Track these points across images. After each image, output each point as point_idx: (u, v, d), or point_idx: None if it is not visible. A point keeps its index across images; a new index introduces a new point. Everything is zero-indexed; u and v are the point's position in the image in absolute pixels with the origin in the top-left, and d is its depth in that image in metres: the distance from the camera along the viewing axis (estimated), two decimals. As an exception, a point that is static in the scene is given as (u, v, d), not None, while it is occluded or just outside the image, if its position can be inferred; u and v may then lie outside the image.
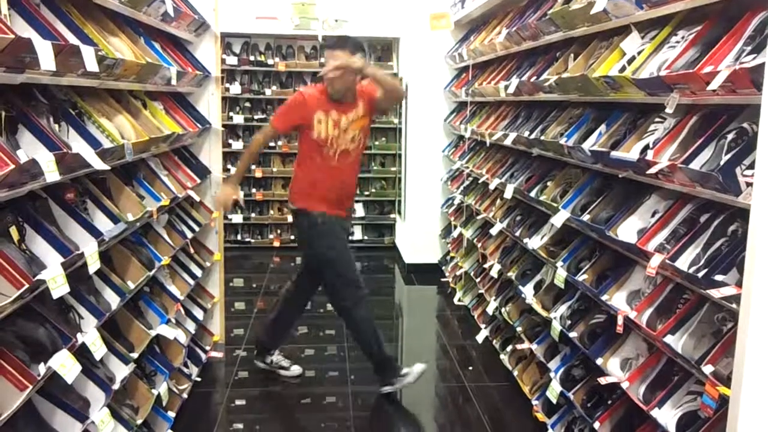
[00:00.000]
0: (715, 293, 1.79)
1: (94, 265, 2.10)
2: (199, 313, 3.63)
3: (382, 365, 3.52)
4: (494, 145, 4.44)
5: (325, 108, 3.29)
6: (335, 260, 3.42)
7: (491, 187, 4.13)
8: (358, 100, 3.36)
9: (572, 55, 3.11)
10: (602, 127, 2.74)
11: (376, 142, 6.91)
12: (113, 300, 2.41)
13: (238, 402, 3.48)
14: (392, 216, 6.99)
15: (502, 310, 3.81)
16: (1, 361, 1.72)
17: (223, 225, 4.12)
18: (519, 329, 3.50)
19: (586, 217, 2.67)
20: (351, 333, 3.64)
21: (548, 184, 3.27)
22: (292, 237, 6.91)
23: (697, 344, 1.99)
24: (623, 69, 2.41)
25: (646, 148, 2.30)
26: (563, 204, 2.91)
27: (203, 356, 3.68)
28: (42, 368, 1.81)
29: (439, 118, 5.88)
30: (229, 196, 3.40)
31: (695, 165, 1.99)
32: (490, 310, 4.04)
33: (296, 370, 3.78)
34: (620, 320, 2.33)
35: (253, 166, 6.85)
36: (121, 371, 2.42)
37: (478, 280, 4.55)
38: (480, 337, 4.13)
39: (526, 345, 3.34)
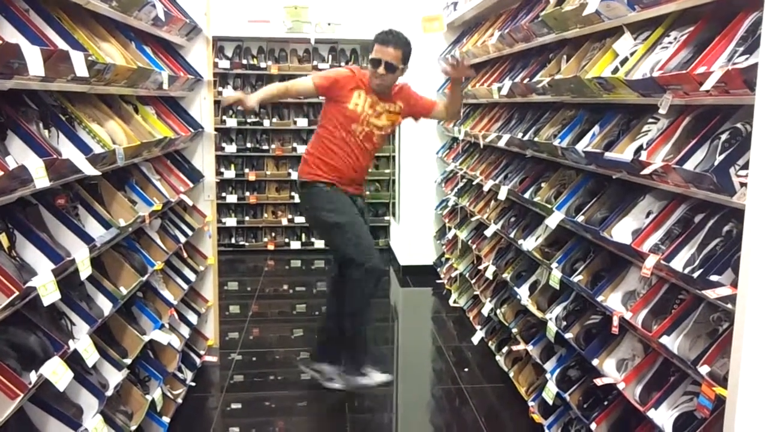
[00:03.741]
0: (711, 294, 1.79)
1: (85, 271, 2.08)
2: (193, 318, 3.62)
3: (350, 350, 3.53)
4: (488, 146, 4.44)
5: (367, 90, 3.39)
6: (344, 224, 3.34)
7: (485, 188, 4.13)
8: (396, 98, 3.47)
9: (565, 56, 3.11)
10: (596, 128, 2.73)
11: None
12: (106, 306, 2.40)
13: (233, 406, 3.46)
14: (386, 218, 6.98)
15: (498, 311, 3.81)
16: (-8, 370, 1.71)
17: (216, 229, 4.11)
18: (514, 330, 3.50)
19: (580, 218, 2.67)
20: (345, 298, 3.43)
21: (542, 185, 3.27)
22: (287, 240, 6.91)
23: (692, 345, 1.99)
24: (616, 70, 2.41)
25: (640, 148, 2.30)
26: (557, 205, 2.91)
27: (198, 361, 3.66)
28: (33, 376, 1.79)
29: (433, 121, 5.86)
30: (236, 96, 3.32)
31: (689, 165, 1.99)
32: (485, 311, 4.03)
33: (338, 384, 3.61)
34: (615, 321, 2.32)
35: (247, 170, 6.84)
36: (114, 377, 2.41)
37: (473, 281, 4.55)
38: (475, 339, 4.12)
39: (521, 346, 3.34)
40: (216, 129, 4.22)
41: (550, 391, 2.86)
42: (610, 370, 2.45)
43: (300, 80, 3.49)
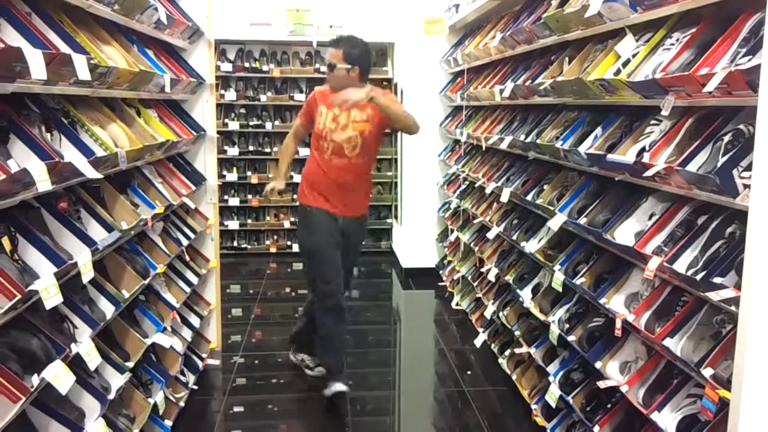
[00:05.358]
0: (714, 296, 1.78)
1: (87, 274, 2.08)
2: (195, 321, 3.62)
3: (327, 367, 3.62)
4: (490, 149, 4.43)
5: (327, 103, 3.37)
6: (309, 249, 3.48)
7: (488, 191, 4.13)
8: (365, 106, 3.30)
9: (567, 58, 3.11)
10: (598, 130, 2.73)
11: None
12: (108, 309, 2.40)
13: (236, 409, 3.46)
14: (389, 221, 6.98)
15: (500, 314, 3.80)
16: (-6, 373, 1.71)
17: (219, 231, 4.11)
18: (517, 333, 3.49)
19: (583, 220, 2.67)
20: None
21: (545, 187, 3.26)
22: (289, 242, 6.92)
23: (696, 347, 1.98)
24: (618, 72, 2.41)
25: (643, 150, 2.30)
26: (560, 207, 2.90)
27: (200, 364, 3.66)
28: (35, 379, 1.79)
29: (435, 123, 5.88)
30: (275, 189, 3.70)
31: (692, 167, 1.98)
32: (488, 314, 4.03)
33: (320, 371, 3.74)
34: (619, 323, 2.32)
35: (249, 172, 6.85)
36: (116, 381, 2.41)
37: (475, 284, 4.54)
38: (478, 341, 4.11)
39: (524, 349, 3.33)
40: (218, 132, 4.22)
41: (553, 394, 2.85)
42: (613, 372, 2.44)
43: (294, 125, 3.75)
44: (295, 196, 6.89)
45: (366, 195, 3.59)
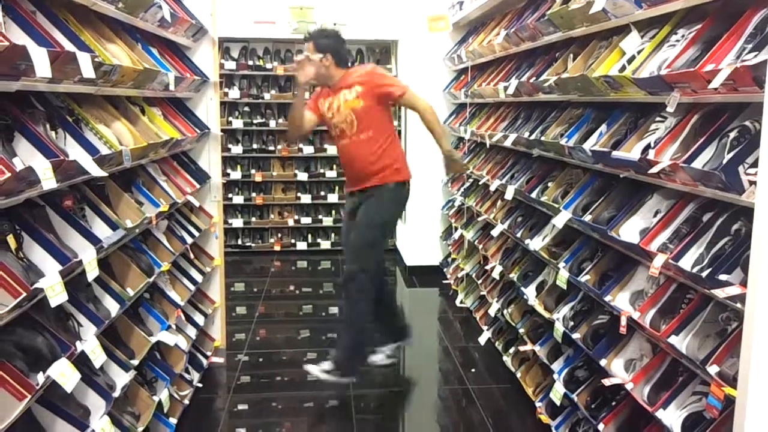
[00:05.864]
0: (720, 293, 1.78)
1: (92, 272, 2.08)
2: (199, 319, 3.62)
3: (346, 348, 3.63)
4: (494, 146, 4.43)
5: (325, 95, 3.60)
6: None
7: (492, 188, 4.12)
8: (353, 84, 3.47)
9: (571, 55, 3.10)
10: (603, 127, 2.72)
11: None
12: (113, 307, 2.40)
13: (240, 407, 3.47)
14: (393, 218, 6.97)
15: (505, 311, 3.80)
16: (-1, 371, 1.71)
17: (223, 230, 4.11)
18: (521, 331, 3.49)
19: (587, 218, 2.66)
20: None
21: (549, 184, 3.26)
22: (293, 240, 6.93)
23: (701, 344, 1.98)
24: (623, 68, 2.40)
25: (648, 147, 2.29)
26: (564, 204, 2.90)
27: (204, 362, 3.67)
28: (41, 377, 1.80)
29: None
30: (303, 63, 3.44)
31: (697, 164, 1.98)
32: (492, 311, 4.02)
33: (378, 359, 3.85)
34: (623, 321, 2.31)
35: (253, 170, 6.85)
36: (121, 378, 2.41)
37: (479, 281, 4.54)
38: (482, 339, 4.11)
39: (528, 346, 3.33)
40: (222, 130, 4.22)
41: (557, 392, 2.85)
42: (618, 370, 2.43)
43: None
44: (298, 194, 6.92)
45: (382, 168, 3.51)
